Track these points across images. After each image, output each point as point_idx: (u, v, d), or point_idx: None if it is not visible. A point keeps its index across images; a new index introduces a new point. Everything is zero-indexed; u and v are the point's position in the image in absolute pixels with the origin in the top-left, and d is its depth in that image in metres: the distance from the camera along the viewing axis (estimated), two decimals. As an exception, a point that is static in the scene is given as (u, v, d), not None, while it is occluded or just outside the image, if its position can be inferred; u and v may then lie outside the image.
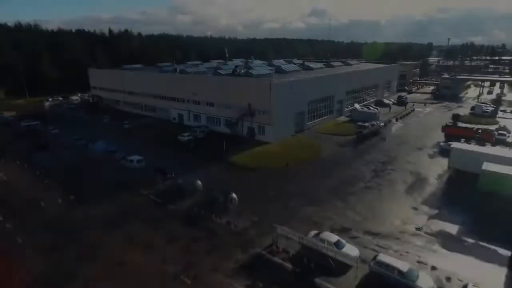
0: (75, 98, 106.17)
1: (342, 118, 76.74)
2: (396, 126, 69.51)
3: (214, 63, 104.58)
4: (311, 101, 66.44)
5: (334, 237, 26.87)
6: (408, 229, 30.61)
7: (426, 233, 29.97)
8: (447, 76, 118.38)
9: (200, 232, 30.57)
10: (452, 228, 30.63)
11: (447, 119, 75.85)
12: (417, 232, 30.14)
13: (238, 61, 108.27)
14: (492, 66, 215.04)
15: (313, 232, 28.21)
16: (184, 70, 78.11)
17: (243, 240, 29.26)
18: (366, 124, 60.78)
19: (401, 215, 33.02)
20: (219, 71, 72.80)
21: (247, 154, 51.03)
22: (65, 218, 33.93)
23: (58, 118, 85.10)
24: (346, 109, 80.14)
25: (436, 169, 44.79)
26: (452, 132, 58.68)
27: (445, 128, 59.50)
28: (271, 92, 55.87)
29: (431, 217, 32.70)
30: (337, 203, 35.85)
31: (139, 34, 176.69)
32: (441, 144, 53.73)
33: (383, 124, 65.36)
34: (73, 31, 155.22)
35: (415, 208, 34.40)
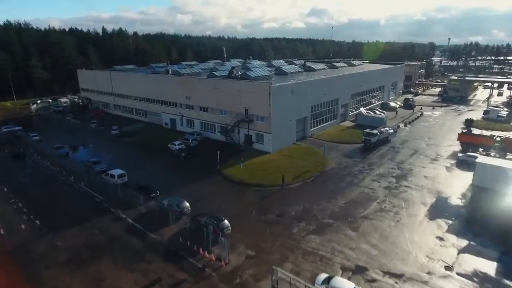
0: (64, 100, 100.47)
1: (347, 123, 71.40)
2: (405, 133, 64.14)
3: (210, 63, 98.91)
4: (314, 105, 61.09)
5: (349, 285, 21.53)
6: (436, 268, 25.24)
7: (458, 274, 24.62)
8: (455, 78, 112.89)
9: (183, 272, 25.18)
10: (489, 267, 25.29)
11: (458, 124, 70.87)
12: (448, 272, 24.79)
13: (236, 62, 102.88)
14: (496, 66, 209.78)
15: (322, 277, 22.87)
16: (177, 71, 72.57)
17: (235, 285, 23.90)
18: (375, 131, 55.39)
19: (425, 248, 27.67)
20: (214, 72, 67.39)
21: (244, 167, 45.63)
22: (25, 250, 28.52)
23: (43, 122, 79.98)
24: (350, 113, 74.83)
25: (457, 186, 39.44)
26: (468, 140, 53.31)
27: (460, 136, 54.12)
28: (271, 96, 50.50)
29: (461, 250, 27.34)
30: (347, 230, 30.51)
31: (135, 34, 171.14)
32: (459, 155, 48.39)
33: (392, 131, 59.96)
34: (66, 30, 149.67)
35: (441, 238, 29.04)
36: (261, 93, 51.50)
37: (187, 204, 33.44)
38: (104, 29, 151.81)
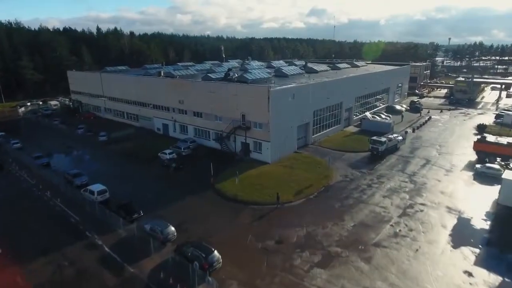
0: (54, 103, 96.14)
1: (351, 129, 66.98)
2: (414, 139, 59.65)
3: (207, 64, 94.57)
4: (317, 110, 56.69)
5: None
6: (468, 316, 20.90)
7: (496, 324, 20.27)
8: (462, 79, 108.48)
9: (163, 322, 20.85)
10: (532, 314, 20.93)
11: (470, 129, 66.55)
12: (484, 322, 20.44)
13: (234, 62, 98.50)
14: (499, 66, 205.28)
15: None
16: (170, 73, 68.01)
17: None
18: (383, 139, 50.95)
19: (453, 287, 23.28)
20: (210, 74, 62.76)
21: (239, 180, 41.15)
22: (-22, 288, 24.21)
23: (29, 127, 75.49)
24: (355, 117, 70.40)
25: (479, 204, 35.03)
26: (485, 149, 48.84)
27: (476, 144, 49.65)
28: (270, 101, 46.06)
29: (495, 290, 22.99)
30: (358, 262, 26.09)
31: (131, 33, 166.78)
32: (477, 166, 43.96)
33: (401, 138, 55.47)
34: (61, 30, 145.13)
35: (469, 273, 24.63)
36: (259, 98, 47.08)
37: (173, 229, 29.05)
38: (98, 29, 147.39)
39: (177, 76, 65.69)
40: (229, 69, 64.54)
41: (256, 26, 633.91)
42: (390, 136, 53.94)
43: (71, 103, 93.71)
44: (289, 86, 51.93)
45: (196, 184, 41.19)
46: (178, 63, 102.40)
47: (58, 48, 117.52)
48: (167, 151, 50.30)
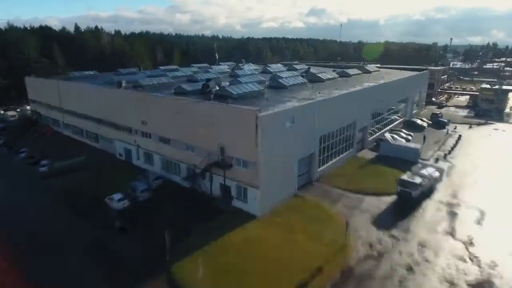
0: (11, 114, 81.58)
1: (366, 153, 52.51)
2: (451, 169, 45.29)
3: (194, 68, 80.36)
4: (325, 135, 42.42)
5: None
6: None
7: None
8: (488, 86, 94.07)
9: None
10: None
11: (516, 153, 52.28)
12: None
13: (225, 66, 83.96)
14: (509, 69, 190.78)
15: None
16: (137, 82, 53.05)
17: None
18: (417, 179, 36.60)
19: None
20: (184, 85, 47.16)
21: (210, 255, 26.81)
22: None
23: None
24: (369, 138, 55.96)
25: None
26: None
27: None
28: (259, 131, 31.70)
29: None
30: None
31: (117, 32, 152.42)
32: None
33: (438, 174, 40.99)
34: (35, 27, 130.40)
35: None
36: (244, 125, 32.68)
37: None
38: (77, 27, 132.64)
39: (141, 87, 50.86)
40: (208, 80, 49.21)
41: (255, 26, 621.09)
42: (425, 172, 39.44)
43: (32, 115, 79.25)
44: (287, 107, 37.34)
45: (143, 263, 26.77)
46: (160, 67, 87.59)
47: (25, 48, 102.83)
48: (116, 196, 35.86)
